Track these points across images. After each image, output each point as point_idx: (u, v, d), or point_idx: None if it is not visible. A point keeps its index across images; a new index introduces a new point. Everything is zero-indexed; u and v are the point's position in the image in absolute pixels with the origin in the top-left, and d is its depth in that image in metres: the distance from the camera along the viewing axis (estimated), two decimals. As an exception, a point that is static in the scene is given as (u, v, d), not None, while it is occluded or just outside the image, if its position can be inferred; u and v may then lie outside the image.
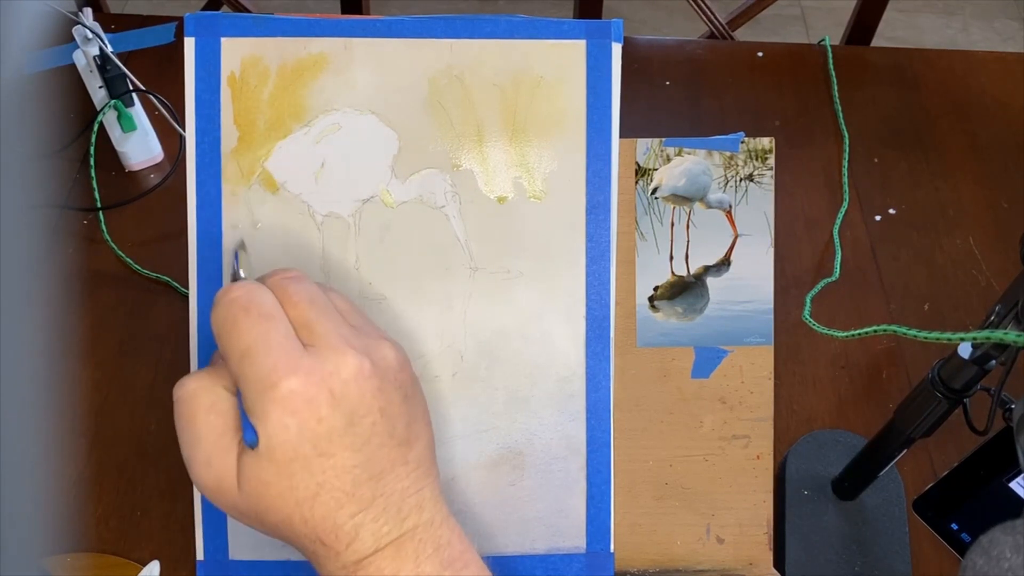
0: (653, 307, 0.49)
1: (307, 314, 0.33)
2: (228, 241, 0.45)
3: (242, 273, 0.38)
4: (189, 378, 0.35)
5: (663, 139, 0.48)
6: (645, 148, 0.48)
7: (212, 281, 0.46)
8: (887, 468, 0.50)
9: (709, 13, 0.89)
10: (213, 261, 0.46)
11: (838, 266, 0.66)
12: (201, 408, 0.34)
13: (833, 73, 0.78)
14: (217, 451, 0.33)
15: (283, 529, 0.33)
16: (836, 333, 0.48)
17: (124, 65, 0.67)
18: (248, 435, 0.33)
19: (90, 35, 0.66)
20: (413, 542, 0.33)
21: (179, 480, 0.54)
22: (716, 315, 0.48)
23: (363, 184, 0.46)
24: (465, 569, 0.35)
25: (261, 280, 0.36)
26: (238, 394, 0.34)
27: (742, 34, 0.92)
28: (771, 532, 0.50)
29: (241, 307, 0.32)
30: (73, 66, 0.69)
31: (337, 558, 0.33)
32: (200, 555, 0.48)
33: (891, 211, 0.70)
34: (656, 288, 0.48)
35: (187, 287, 0.46)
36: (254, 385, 0.32)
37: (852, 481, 0.53)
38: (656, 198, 0.48)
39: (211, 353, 0.46)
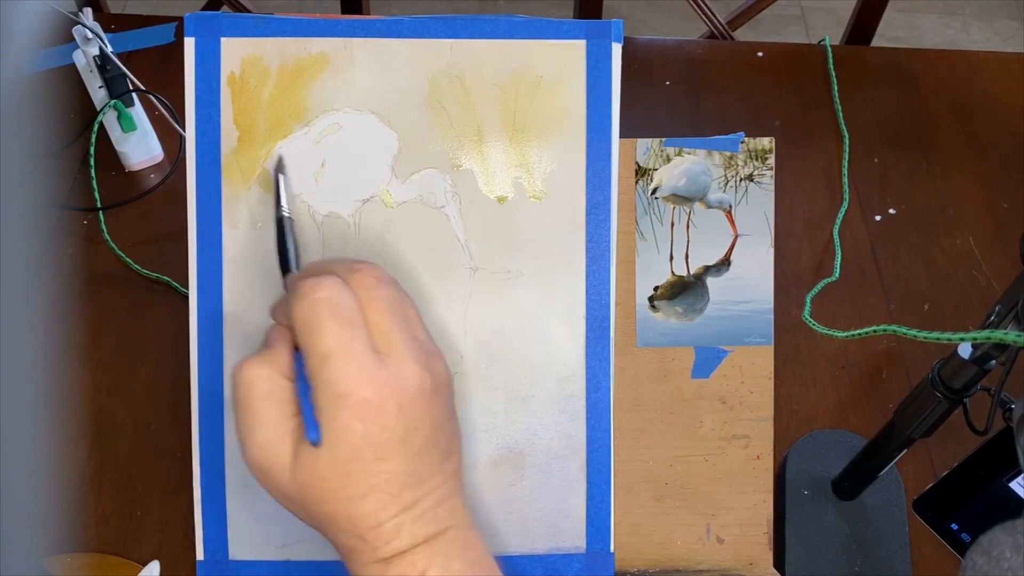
0: (653, 307, 0.49)
1: (385, 323, 0.35)
2: (269, 168, 0.46)
3: (284, 206, 0.43)
4: (249, 362, 0.36)
5: (663, 139, 0.48)
6: (645, 148, 0.48)
7: (212, 281, 0.46)
8: (887, 468, 0.50)
9: (709, 13, 0.89)
10: (213, 261, 0.46)
11: (838, 266, 0.66)
12: (259, 395, 0.35)
13: (833, 73, 0.78)
14: (272, 438, 0.35)
15: (326, 521, 0.35)
16: (836, 333, 0.48)
17: (124, 65, 0.67)
18: (311, 432, 0.34)
19: (90, 35, 0.66)
20: (444, 543, 0.36)
21: (179, 480, 0.54)
22: (716, 315, 0.48)
23: (363, 184, 0.46)
24: (487, 570, 0.37)
25: (345, 272, 0.36)
26: (297, 382, 0.36)
27: (742, 34, 0.92)
28: (771, 532, 0.50)
29: (328, 310, 0.34)
30: (73, 66, 0.69)
31: (373, 553, 0.35)
32: (200, 555, 0.48)
33: (891, 211, 0.70)
34: (656, 288, 0.48)
35: (187, 287, 0.46)
36: (330, 388, 0.34)
37: (852, 481, 0.53)
38: (656, 198, 0.48)
39: (211, 353, 0.46)
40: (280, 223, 0.44)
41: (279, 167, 0.45)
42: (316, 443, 0.34)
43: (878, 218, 0.70)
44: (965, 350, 0.40)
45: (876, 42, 0.90)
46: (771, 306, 0.48)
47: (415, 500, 0.35)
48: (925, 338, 0.39)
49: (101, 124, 0.67)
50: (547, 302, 0.47)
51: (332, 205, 0.46)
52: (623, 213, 0.48)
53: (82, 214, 0.67)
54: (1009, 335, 0.35)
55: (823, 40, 0.81)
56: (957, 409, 0.43)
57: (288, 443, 0.35)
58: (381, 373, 0.34)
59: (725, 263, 0.48)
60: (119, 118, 0.68)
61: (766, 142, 0.48)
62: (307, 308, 0.34)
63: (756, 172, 0.48)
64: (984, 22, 2.02)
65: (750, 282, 0.48)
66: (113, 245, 0.65)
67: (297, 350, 0.36)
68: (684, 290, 0.48)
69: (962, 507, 0.43)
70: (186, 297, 0.47)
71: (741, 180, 0.48)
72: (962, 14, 2.04)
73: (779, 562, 0.52)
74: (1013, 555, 0.29)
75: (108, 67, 0.66)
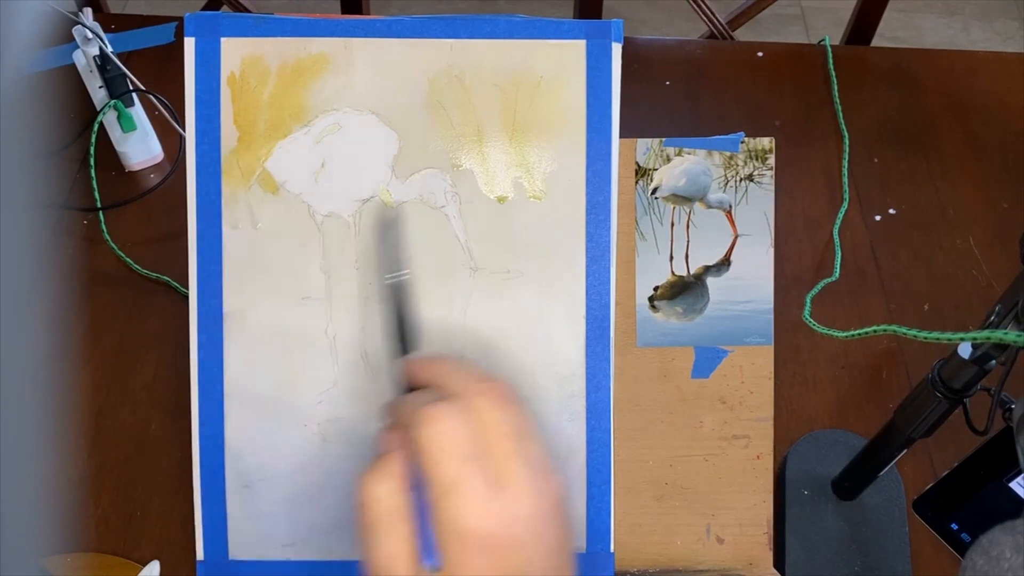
0: (653, 307, 0.49)
1: (504, 450, 0.36)
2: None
3: (398, 269, 0.41)
4: (370, 479, 0.36)
5: (663, 139, 0.48)
6: (645, 148, 0.48)
7: (212, 281, 0.46)
8: (887, 468, 0.50)
9: (709, 13, 0.89)
10: (213, 261, 0.46)
11: (838, 266, 0.66)
12: (382, 513, 0.36)
13: (833, 73, 0.78)
14: (392, 555, 0.35)
15: None
16: (836, 333, 0.48)
17: (124, 65, 0.67)
18: (429, 557, 0.35)
19: (90, 35, 0.66)
20: None
21: (179, 480, 0.54)
22: (716, 315, 0.48)
23: (363, 184, 0.46)
24: None
25: (468, 389, 0.36)
26: (414, 496, 0.36)
27: (742, 34, 0.92)
28: (771, 532, 0.50)
29: (449, 443, 0.35)
30: (73, 66, 0.69)
31: None
32: (200, 555, 0.48)
33: (891, 211, 0.70)
34: (656, 288, 0.48)
35: (187, 287, 0.46)
36: (449, 523, 0.34)
37: (852, 481, 0.53)
38: (656, 198, 0.48)
39: (211, 353, 0.46)
40: (394, 290, 0.43)
41: (387, 224, 0.44)
42: (434, 569, 0.35)
43: (878, 218, 0.70)
44: (965, 350, 0.40)
45: (876, 42, 0.90)
46: (771, 306, 0.48)
47: None
48: (925, 338, 0.39)
49: (101, 124, 0.67)
50: (547, 302, 0.47)
51: (332, 205, 0.46)
52: (623, 213, 0.48)
53: (82, 214, 0.67)
54: (1009, 335, 0.35)
55: (823, 40, 0.81)
56: (957, 409, 0.43)
57: (408, 565, 0.35)
58: (497, 507, 0.34)
59: (725, 263, 0.48)
60: (119, 118, 0.68)
61: (766, 142, 0.48)
62: (430, 438, 0.35)
63: (756, 172, 0.48)
64: (984, 22, 2.02)
65: (750, 282, 0.48)
66: (113, 245, 0.65)
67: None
68: (684, 290, 0.48)
69: (962, 507, 0.43)
70: (186, 297, 0.47)
71: (741, 180, 0.48)
72: (962, 14, 2.04)
73: (779, 562, 0.52)
74: (1013, 555, 0.29)
75: (108, 67, 0.66)
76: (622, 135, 0.47)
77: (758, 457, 0.50)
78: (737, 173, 0.48)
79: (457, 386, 0.37)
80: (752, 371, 0.49)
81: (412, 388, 0.40)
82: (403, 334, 0.43)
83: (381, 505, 0.36)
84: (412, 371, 0.40)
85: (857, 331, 0.46)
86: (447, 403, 0.36)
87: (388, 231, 0.43)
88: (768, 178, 0.48)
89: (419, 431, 0.35)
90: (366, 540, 0.36)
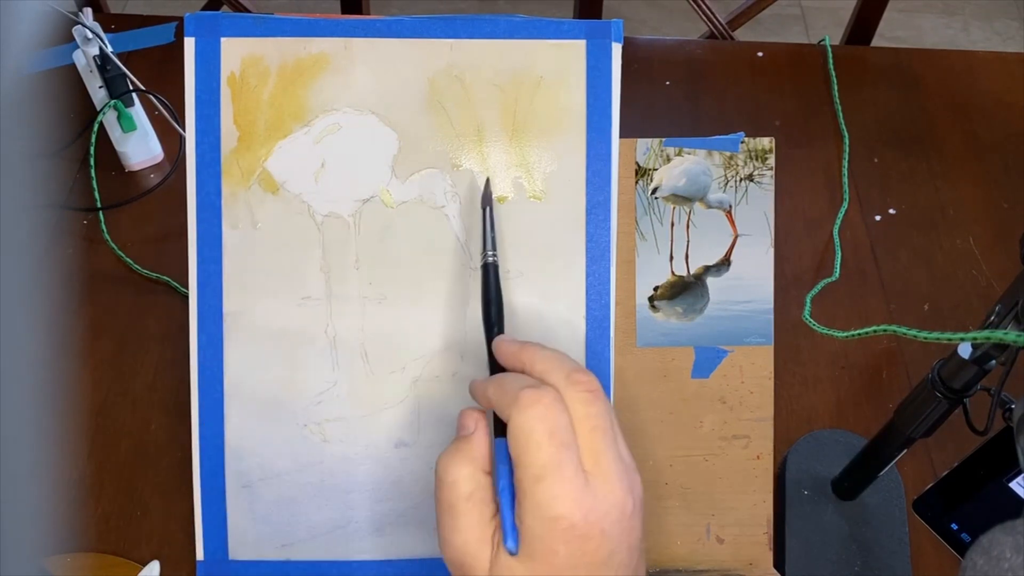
0: (653, 307, 0.49)
1: (597, 443, 0.36)
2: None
3: (492, 250, 0.43)
4: (451, 460, 0.37)
5: (663, 139, 0.48)
6: (645, 148, 0.48)
7: (212, 281, 0.46)
8: (887, 468, 0.50)
9: (709, 13, 0.89)
10: (213, 261, 0.46)
11: (838, 266, 0.66)
12: (462, 496, 0.36)
13: (833, 73, 0.78)
14: (472, 540, 0.36)
15: None
16: (836, 333, 0.48)
17: (124, 65, 0.67)
18: (509, 540, 0.35)
19: (90, 35, 0.66)
20: None
21: (179, 480, 0.54)
22: (716, 315, 0.48)
23: (363, 184, 0.46)
24: None
25: (562, 380, 0.37)
26: (496, 480, 0.37)
27: (742, 34, 0.92)
28: (771, 532, 0.50)
29: (545, 429, 0.35)
30: (73, 66, 0.69)
31: None
32: (200, 555, 0.48)
33: (891, 211, 0.70)
34: (656, 288, 0.48)
35: (187, 287, 0.46)
36: (540, 509, 0.34)
37: (852, 481, 0.53)
38: (656, 198, 0.48)
39: (211, 353, 0.46)
40: (486, 271, 0.43)
41: (487, 196, 0.44)
42: (513, 553, 0.35)
43: (878, 218, 0.70)
44: (965, 350, 0.40)
45: (876, 42, 0.90)
46: (771, 306, 0.48)
47: None
48: (925, 338, 0.39)
49: (101, 124, 0.67)
50: (547, 302, 0.47)
51: (332, 205, 0.46)
52: (623, 213, 0.48)
53: (82, 214, 0.67)
54: (1009, 335, 0.35)
55: (823, 40, 0.81)
56: (957, 409, 0.43)
57: (487, 548, 0.36)
58: (588, 498, 0.35)
59: (725, 263, 0.48)
60: (119, 118, 0.68)
61: (766, 142, 0.48)
62: (525, 423, 0.35)
63: (756, 172, 0.48)
64: (984, 22, 2.02)
65: (750, 282, 0.48)
66: (113, 245, 0.65)
67: (496, 436, 0.37)
68: (684, 290, 0.48)
69: (962, 507, 0.43)
70: (186, 297, 0.47)
71: (741, 180, 0.48)
72: (962, 14, 2.04)
73: (779, 562, 0.52)
74: (1013, 555, 0.29)
75: (108, 67, 0.66)
76: (622, 135, 0.47)
77: (758, 457, 0.50)
78: (737, 173, 0.48)
79: (552, 375, 0.37)
80: (752, 371, 0.49)
81: (499, 371, 0.40)
82: (492, 315, 0.43)
83: (459, 488, 0.36)
84: (504, 353, 0.40)
85: (857, 331, 0.46)
86: (545, 389, 0.36)
87: (491, 207, 0.44)
88: (768, 178, 0.48)
89: (516, 413, 0.35)
90: (445, 522, 0.37)
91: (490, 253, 0.43)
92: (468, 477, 0.36)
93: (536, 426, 0.35)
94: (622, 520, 0.35)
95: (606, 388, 0.47)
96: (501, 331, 0.43)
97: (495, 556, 0.35)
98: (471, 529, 0.36)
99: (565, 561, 0.34)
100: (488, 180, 0.45)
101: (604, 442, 0.36)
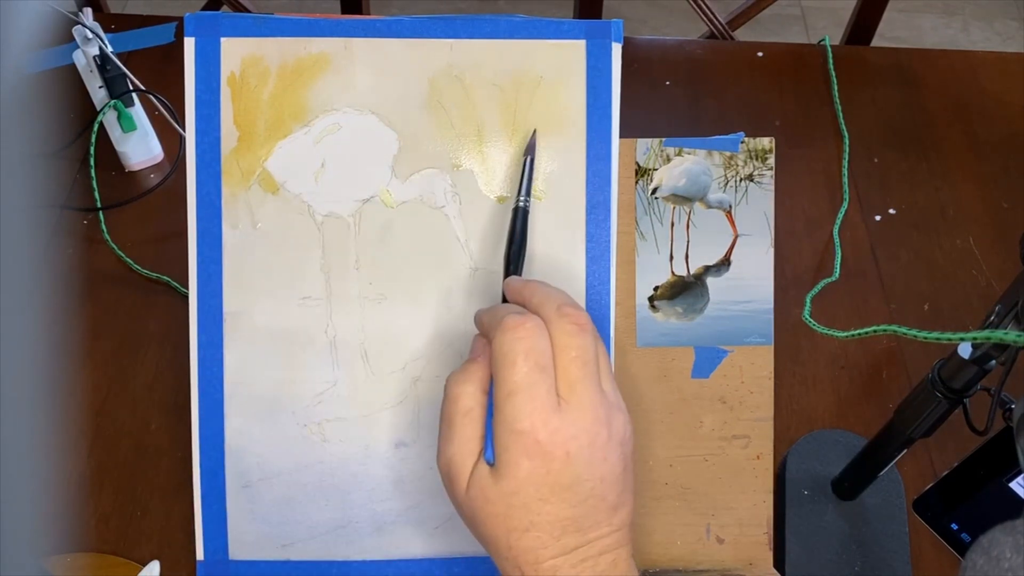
0: (653, 307, 0.49)
1: (573, 373, 0.37)
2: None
3: (525, 196, 0.45)
4: (456, 377, 0.39)
5: (663, 139, 0.48)
6: (645, 148, 0.48)
7: (212, 281, 0.46)
8: (887, 468, 0.50)
9: (709, 13, 0.89)
10: (213, 261, 0.46)
11: (838, 266, 0.66)
12: (459, 410, 0.38)
13: (833, 73, 0.78)
14: (460, 452, 0.38)
15: (489, 544, 0.37)
16: (836, 333, 0.48)
17: (124, 65, 0.67)
18: (488, 453, 0.37)
19: (90, 35, 0.66)
20: None
21: (179, 480, 0.54)
22: (716, 315, 0.48)
23: (363, 184, 0.46)
24: None
25: (551, 312, 0.38)
26: (489, 404, 0.38)
27: (742, 34, 0.92)
28: (771, 532, 0.50)
29: (523, 350, 0.36)
30: (73, 66, 0.69)
31: None
32: (200, 555, 0.48)
33: (891, 211, 0.70)
34: (656, 288, 0.48)
35: (187, 287, 0.46)
36: (508, 423, 0.36)
37: (852, 481, 0.53)
38: (656, 198, 0.48)
39: (211, 353, 0.46)
40: (517, 213, 0.45)
41: (531, 146, 0.46)
42: (489, 461, 0.37)
43: (878, 218, 0.70)
44: (965, 350, 0.40)
45: (876, 42, 0.90)
46: (771, 306, 0.48)
47: (576, 546, 0.36)
48: (925, 338, 0.39)
49: (101, 124, 0.67)
50: (547, 302, 0.47)
51: (332, 205, 0.46)
52: (623, 213, 0.48)
53: (82, 214, 0.67)
54: (1009, 335, 0.35)
55: (823, 40, 0.81)
56: (957, 409, 0.43)
57: (471, 459, 0.38)
58: (556, 419, 0.36)
59: (725, 263, 0.48)
60: (119, 118, 0.68)
61: (766, 142, 0.48)
62: (505, 344, 0.36)
63: (756, 172, 0.48)
64: (984, 22, 2.02)
65: (750, 282, 0.48)
66: (113, 245, 0.65)
67: None
68: (684, 290, 0.48)
69: (962, 507, 0.43)
70: (186, 297, 0.47)
71: (741, 180, 0.48)
72: (962, 14, 2.04)
73: (779, 562, 0.52)
74: (1013, 555, 0.29)
75: (108, 67, 0.66)
76: (622, 135, 0.47)
77: (758, 457, 0.50)
78: (737, 173, 0.48)
79: (543, 307, 0.38)
80: (752, 371, 0.49)
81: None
82: (512, 254, 0.45)
83: (459, 404, 0.38)
84: (511, 289, 0.41)
85: (857, 331, 0.46)
86: (528, 316, 0.37)
87: (533, 156, 0.46)
88: (768, 178, 0.48)
89: (497, 335, 0.37)
90: (443, 433, 0.39)
91: (523, 199, 0.45)
92: (468, 394, 0.38)
93: (515, 346, 0.36)
94: (592, 448, 0.36)
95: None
96: (518, 273, 0.45)
97: (475, 470, 0.37)
98: (463, 442, 0.38)
99: (528, 476, 0.35)
100: (535, 131, 0.46)
101: (582, 372, 0.37)
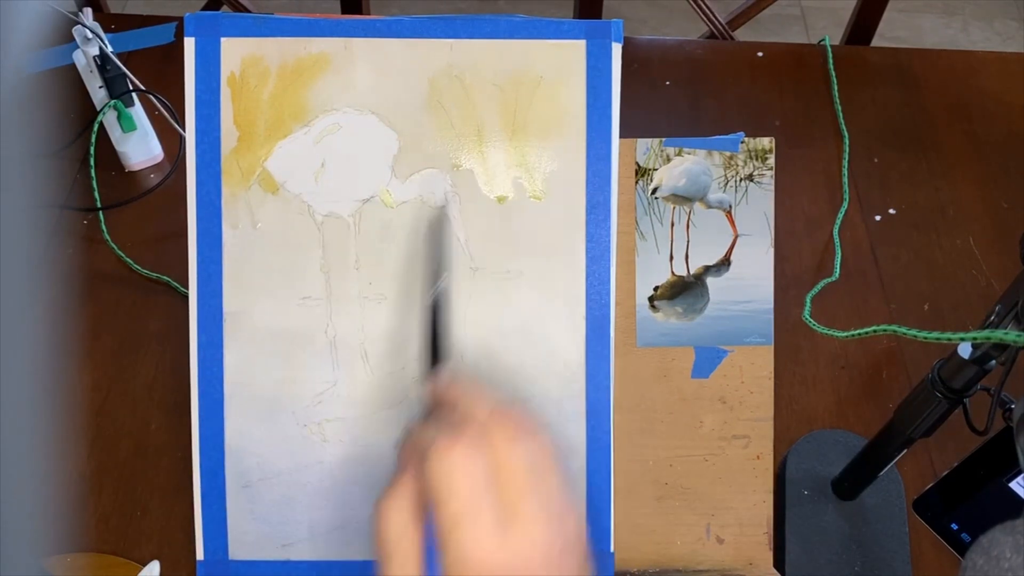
0: (653, 307, 0.49)
1: (517, 486, 0.35)
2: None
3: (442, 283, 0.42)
4: (386, 507, 0.37)
5: (663, 139, 0.48)
6: (645, 148, 0.48)
7: (212, 281, 0.46)
8: (887, 468, 0.50)
9: (709, 13, 0.89)
10: (213, 261, 0.46)
11: (838, 266, 0.66)
12: (393, 532, 0.36)
13: (833, 73, 0.78)
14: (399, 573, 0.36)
15: None
16: (836, 333, 0.48)
17: (124, 65, 0.67)
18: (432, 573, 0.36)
19: (90, 35, 0.66)
20: None
21: (179, 480, 0.54)
22: (716, 315, 0.48)
23: (363, 184, 0.46)
24: None
25: (486, 418, 0.36)
26: (426, 520, 0.36)
27: (742, 34, 0.92)
28: (771, 532, 0.50)
29: (462, 474, 0.35)
30: (73, 66, 0.69)
31: None
32: (200, 555, 0.48)
33: (891, 211, 0.70)
34: (656, 288, 0.48)
35: (187, 287, 0.46)
36: (455, 552, 0.34)
37: (852, 481, 0.53)
38: (656, 198, 0.48)
39: (211, 353, 0.46)
40: (436, 304, 0.43)
41: (434, 224, 0.44)
42: None
43: (878, 218, 0.70)
44: (965, 350, 0.40)
45: (876, 42, 0.90)
46: (771, 306, 0.48)
47: None
48: (925, 338, 0.39)
49: (101, 124, 0.67)
50: (547, 302, 0.47)
51: (332, 205, 0.46)
52: (623, 213, 0.48)
53: (82, 214, 0.67)
54: (1009, 335, 0.35)
55: (823, 40, 0.81)
56: (957, 409, 0.43)
57: None
58: (505, 545, 0.34)
59: (725, 263, 0.48)
60: (119, 118, 0.68)
61: (766, 142, 0.48)
62: (442, 467, 0.35)
63: (756, 172, 0.48)
64: (984, 22, 2.02)
65: (750, 282, 0.48)
66: (113, 245, 0.65)
67: None
68: (684, 290, 0.48)
69: (962, 507, 0.43)
70: (186, 297, 0.47)
71: (741, 180, 0.48)
72: (962, 14, 2.04)
73: (779, 562, 0.52)
74: (1013, 555, 0.29)
75: (108, 67, 0.66)
76: (622, 135, 0.47)
77: (758, 457, 0.50)
78: (737, 173, 0.48)
79: (473, 412, 0.37)
80: (752, 371, 0.49)
81: (435, 407, 0.40)
82: (436, 346, 0.42)
83: (391, 531, 0.36)
84: (434, 392, 0.40)
85: (857, 331, 0.46)
86: (460, 435, 0.36)
87: (436, 233, 0.44)
88: (768, 178, 0.48)
89: (431, 463, 0.35)
90: (380, 563, 0.37)
91: (440, 283, 0.43)
92: (400, 522, 0.36)
93: (454, 470, 0.35)
94: (547, 566, 0.35)
95: (606, 388, 0.47)
96: (446, 360, 0.43)
97: None
98: (399, 563, 0.36)
99: None
100: (439, 210, 0.45)
101: (525, 485, 0.35)
